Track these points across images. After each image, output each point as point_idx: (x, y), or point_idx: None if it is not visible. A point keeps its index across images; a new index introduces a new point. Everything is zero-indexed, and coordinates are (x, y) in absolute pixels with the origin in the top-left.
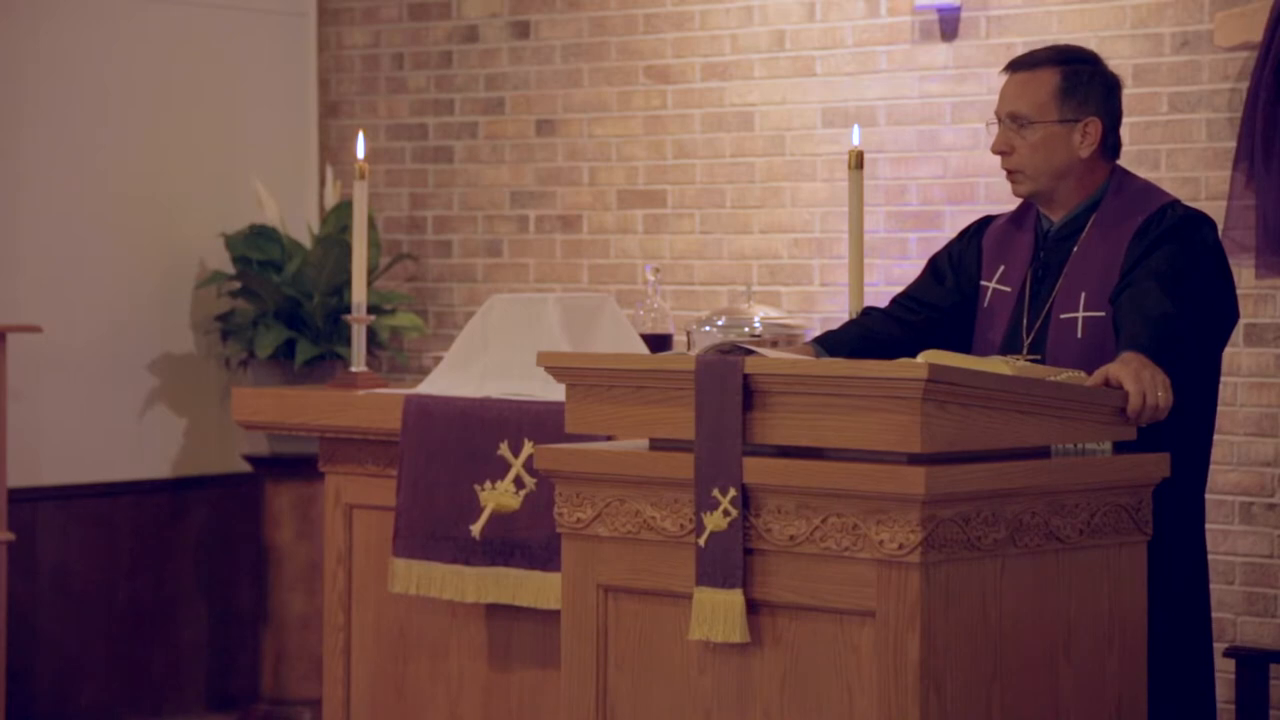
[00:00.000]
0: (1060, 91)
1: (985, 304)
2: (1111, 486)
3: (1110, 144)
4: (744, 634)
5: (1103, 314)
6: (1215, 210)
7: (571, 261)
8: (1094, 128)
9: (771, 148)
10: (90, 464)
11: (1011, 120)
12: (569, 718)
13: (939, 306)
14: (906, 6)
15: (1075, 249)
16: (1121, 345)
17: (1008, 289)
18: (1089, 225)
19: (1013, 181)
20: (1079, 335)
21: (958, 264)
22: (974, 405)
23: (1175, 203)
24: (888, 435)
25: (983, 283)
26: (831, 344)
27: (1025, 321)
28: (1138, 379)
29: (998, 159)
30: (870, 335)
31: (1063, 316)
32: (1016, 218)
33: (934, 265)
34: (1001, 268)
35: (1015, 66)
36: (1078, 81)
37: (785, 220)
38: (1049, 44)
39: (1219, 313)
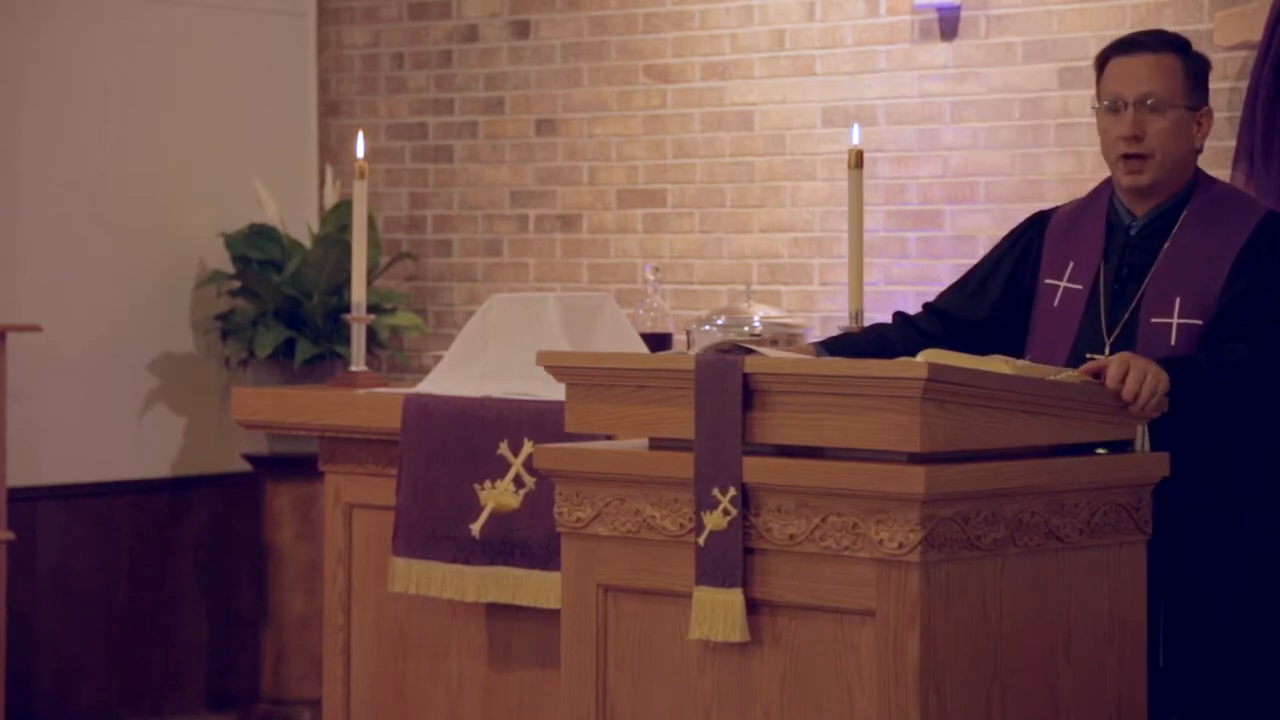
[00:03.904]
0: (1186, 77)
1: (1056, 303)
2: (1111, 486)
3: None
4: (744, 633)
5: (1199, 322)
6: None
7: (571, 261)
8: (1208, 119)
9: (771, 147)
10: (90, 464)
11: (1145, 104)
12: (569, 718)
13: (958, 319)
14: (906, 6)
15: (1166, 248)
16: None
17: (1079, 287)
18: (1179, 224)
19: (1135, 171)
20: (1172, 342)
21: (1011, 269)
22: (974, 405)
23: (1273, 211)
24: (888, 435)
25: (1048, 280)
26: (835, 346)
27: (1105, 322)
28: (1121, 362)
29: (998, 158)
30: (882, 339)
31: (1154, 320)
32: (1083, 209)
33: (969, 277)
34: (1071, 264)
35: (1135, 48)
36: (1198, 69)
37: (785, 220)
38: (1152, 31)
39: None
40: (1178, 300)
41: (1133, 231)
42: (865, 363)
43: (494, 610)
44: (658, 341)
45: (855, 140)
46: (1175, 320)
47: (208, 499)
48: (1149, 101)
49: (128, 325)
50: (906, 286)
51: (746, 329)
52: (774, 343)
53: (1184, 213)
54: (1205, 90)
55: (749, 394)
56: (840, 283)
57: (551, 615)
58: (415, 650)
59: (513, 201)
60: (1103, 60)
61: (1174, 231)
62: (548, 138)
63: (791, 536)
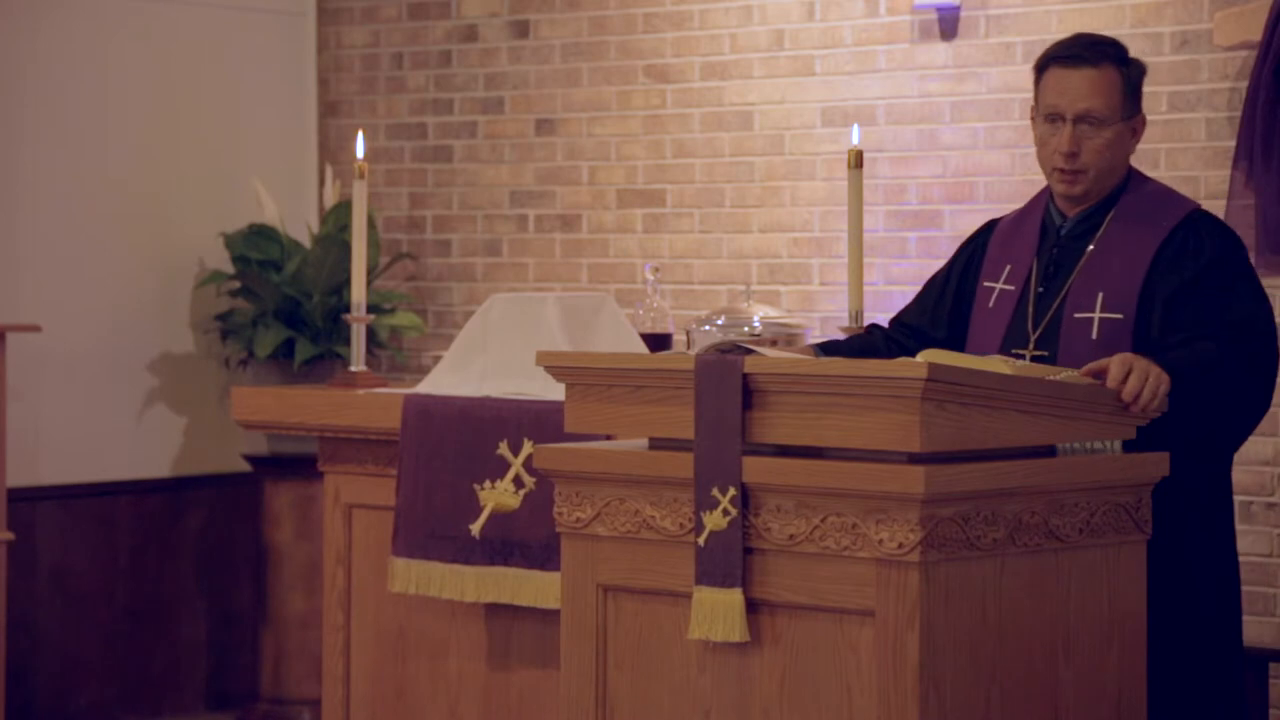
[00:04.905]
0: (1125, 89)
1: (991, 304)
2: (1111, 486)
3: None
4: (744, 633)
5: (1120, 316)
6: (1215, 210)
7: (571, 261)
8: (1142, 124)
9: (771, 147)
10: (90, 464)
11: (1084, 120)
12: (569, 717)
13: (924, 334)
14: (906, 6)
15: (1091, 247)
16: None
17: (1011, 288)
18: (1106, 223)
19: (1071, 181)
20: (1093, 336)
21: (959, 282)
22: (974, 405)
23: (1198, 209)
24: (887, 435)
25: (985, 283)
26: (831, 350)
27: (1031, 318)
28: (1123, 363)
29: (997, 158)
30: (870, 346)
31: (1077, 316)
32: (1024, 215)
33: (927, 291)
34: (1008, 267)
35: (1077, 61)
36: (1137, 79)
37: (785, 219)
38: (1084, 34)
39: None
40: (1100, 295)
41: (1063, 231)
42: (865, 363)
43: (494, 610)
44: (658, 341)
45: (855, 140)
46: (1097, 315)
47: (208, 499)
48: (1088, 119)
49: (128, 325)
50: (906, 286)
51: (746, 329)
52: (774, 343)
53: (1112, 211)
54: (1140, 97)
55: (749, 394)
56: (840, 283)
57: (551, 615)
58: (415, 650)
59: (512, 201)
60: (1042, 66)
61: (1101, 230)
62: (547, 138)
63: (791, 536)
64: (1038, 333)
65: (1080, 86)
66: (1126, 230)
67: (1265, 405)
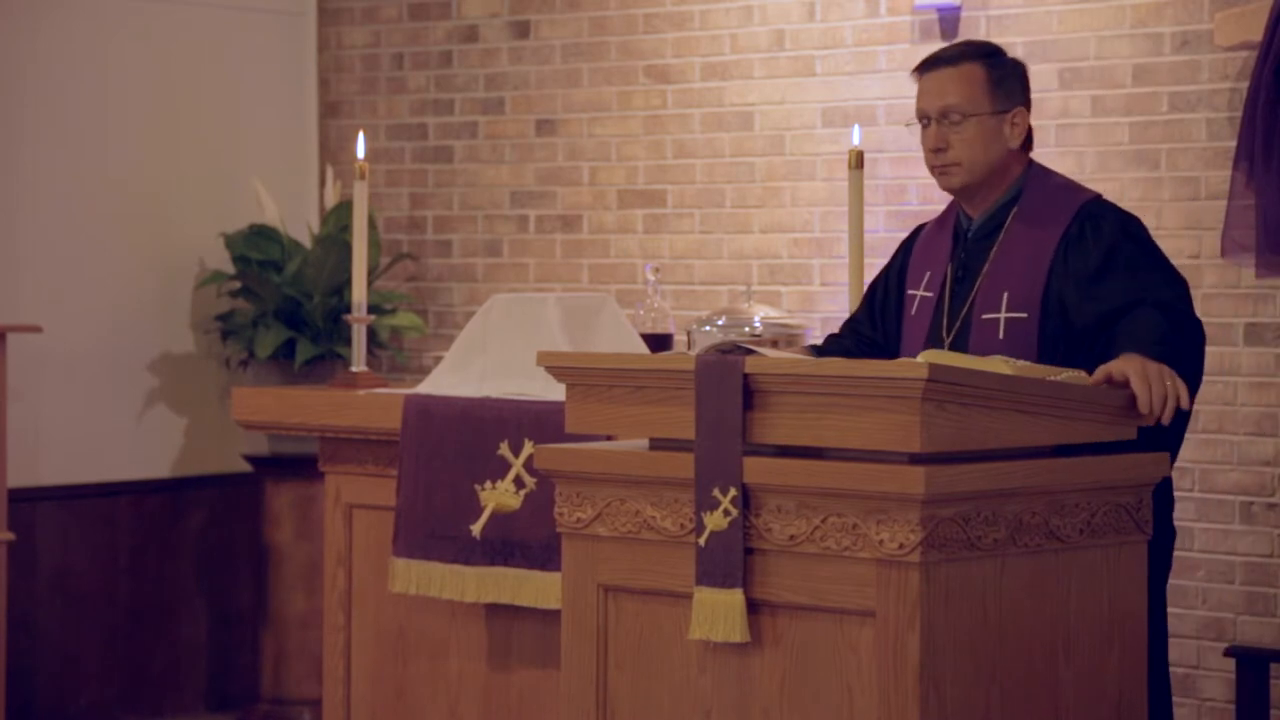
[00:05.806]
0: (989, 83)
1: (913, 312)
2: (1111, 486)
3: (1028, 135)
4: (744, 634)
5: (1025, 315)
6: (1215, 210)
7: (571, 261)
8: (1022, 118)
9: (771, 147)
10: (90, 464)
11: (944, 116)
12: (569, 717)
13: (882, 345)
14: (906, 6)
15: (995, 248)
16: (1124, 349)
17: (930, 294)
18: (1009, 222)
19: (946, 175)
20: (1000, 336)
21: (897, 295)
22: (974, 405)
23: (1097, 199)
24: (888, 435)
25: (910, 291)
26: (820, 354)
27: (945, 323)
28: (1143, 375)
29: None
30: (847, 352)
31: (985, 317)
32: (940, 220)
33: (870, 303)
34: (927, 274)
35: (933, 64)
36: (1003, 73)
37: (785, 220)
38: (961, 42)
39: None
40: (1005, 295)
41: (970, 234)
42: (865, 363)
43: (494, 610)
44: (658, 342)
45: (855, 141)
46: (1002, 315)
47: (208, 499)
48: (949, 114)
49: (128, 325)
50: None
51: (747, 329)
52: (774, 344)
53: (1014, 210)
54: (1018, 91)
55: (749, 394)
56: (840, 283)
57: (551, 615)
58: (415, 650)
59: (513, 202)
60: (917, 77)
61: (1004, 230)
62: (548, 138)
63: (792, 537)
64: (950, 337)
65: (938, 85)
66: (1027, 229)
67: (1200, 378)
